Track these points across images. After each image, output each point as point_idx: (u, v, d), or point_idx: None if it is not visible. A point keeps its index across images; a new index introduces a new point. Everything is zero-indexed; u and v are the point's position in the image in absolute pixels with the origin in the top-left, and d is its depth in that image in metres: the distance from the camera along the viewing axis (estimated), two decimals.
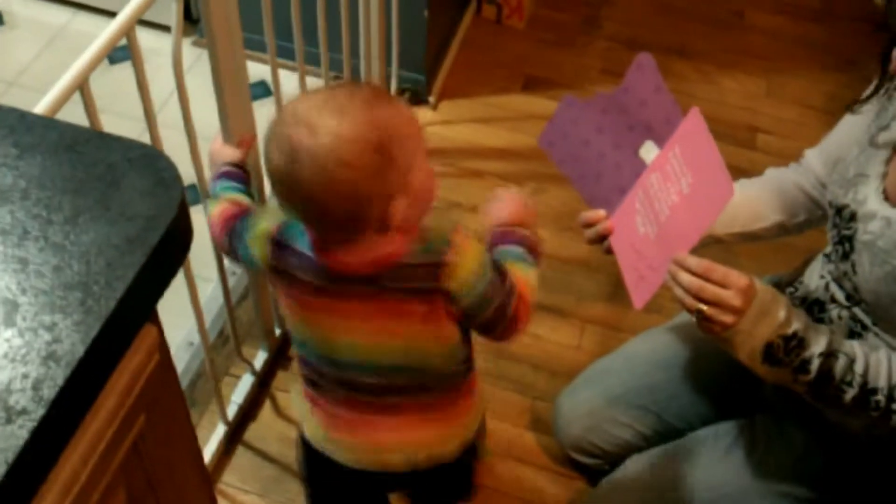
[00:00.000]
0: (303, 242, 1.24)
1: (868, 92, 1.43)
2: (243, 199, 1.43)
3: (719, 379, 1.71)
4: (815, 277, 1.52)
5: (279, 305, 1.45)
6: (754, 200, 1.58)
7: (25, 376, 0.74)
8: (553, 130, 1.52)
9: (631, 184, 1.43)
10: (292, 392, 1.49)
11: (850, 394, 1.33)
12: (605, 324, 2.19)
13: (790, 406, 1.55)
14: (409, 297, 1.23)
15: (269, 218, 1.29)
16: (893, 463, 1.49)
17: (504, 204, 1.40)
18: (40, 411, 0.72)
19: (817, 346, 1.32)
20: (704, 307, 1.29)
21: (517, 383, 2.07)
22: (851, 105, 1.46)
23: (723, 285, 1.28)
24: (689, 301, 1.30)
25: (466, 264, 1.21)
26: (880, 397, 1.32)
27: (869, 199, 1.36)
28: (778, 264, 1.85)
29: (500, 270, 1.27)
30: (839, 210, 1.42)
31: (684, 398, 1.73)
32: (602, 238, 1.49)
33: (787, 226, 1.61)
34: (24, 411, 0.72)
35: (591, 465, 1.84)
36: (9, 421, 0.71)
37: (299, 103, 1.15)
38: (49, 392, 0.73)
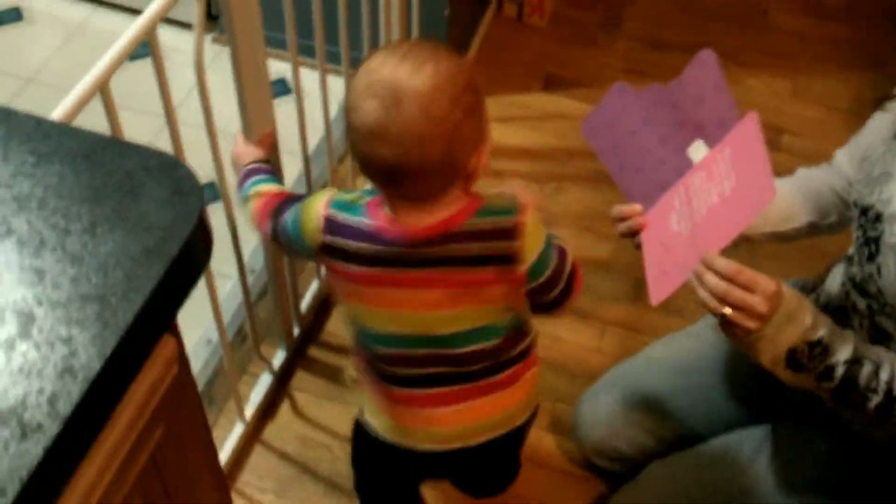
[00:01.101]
0: (358, 215, 1.24)
1: None
2: (278, 187, 1.43)
3: (742, 385, 1.69)
4: (837, 285, 1.50)
5: (334, 292, 1.44)
6: (786, 201, 1.55)
7: (41, 391, 0.73)
8: (599, 117, 1.46)
9: (673, 181, 1.40)
10: (364, 399, 1.48)
11: (875, 401, 1.30)
12: (626, 326, 2.17)
13: (814, 414, 1.53)
14: (476, 263, 1.24)
15: (315, 198, 1.29)
16: None
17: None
18: (55, 427, 0.71)
19: (842, 353, 1.30)
20: (729, 311, 1.27)
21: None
22: (881, 101, 1.43)
23: (750, 290, 1.26)
24: (714, 304, 1.27)
25: (534, 227, 1.25)
26: None
27: (894, 198, 1.33)
28: (801, 267, 1.82)
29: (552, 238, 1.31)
30: (864, 210, 1.39)
31: (707, 404, 1.71)
32: (634, 233, 1.47)
33: (819, 226, 1.58)
34: (38, 427, 0.71)
35: (612, 469, 1.83)
36: (24, 437, 0.70)
37: (386, 54, 1.16)
38: (65, 407, 0.72)
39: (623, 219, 1.48)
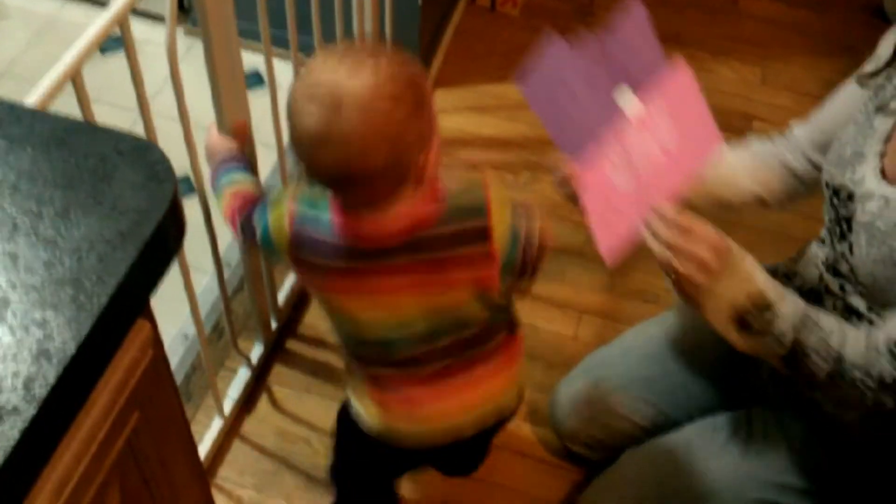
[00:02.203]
0: (322, 226, 1.23)
1: (878, 66, 1.40)
2: (249, 187, 1.43)
3: (716, 371, 1.70)
4: (810, 267, 1.51)
5: (305, 286, 1.43)
6: (730, 166, 1.56)
7: (16, 374, 0.72)
8: (532, 67, 1.43)
9: (606, 131, 1.38)
10: (347, 389, 1.48)
11: (826, 368, 1.30)
12: (602, 313, 2.18)
13: (787, 398, 1.54)
14: (448, 263, 1.23)
15: (280, 206, 1.28)
16: (890, 456, 1.48)
17: None
18: (31, 410, 0.71)
19: (790, 316, 1.29)
20: (678, 265, 1.27)
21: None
22: (860, 76, 1.44)
23: (699, 241, 1.27)
24: (665, 254, 1.28)
25: (502, 223, 1.24)
26: (856, 374, 1.30)
27: (866, 178, 1.34)
28: (774, 253, 1.83)
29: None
30: (836, 191, 1.40)
31: (681, 390, 1.72)
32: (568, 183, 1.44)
33: (766, 200, 1.58)
34: (14, 410, 0.70)
35: (588, 456, 1.83)
36: None
37: (326, 58, 1.14)
38: (40, 390, 0.72)
39: (563, 181, 1.46)
